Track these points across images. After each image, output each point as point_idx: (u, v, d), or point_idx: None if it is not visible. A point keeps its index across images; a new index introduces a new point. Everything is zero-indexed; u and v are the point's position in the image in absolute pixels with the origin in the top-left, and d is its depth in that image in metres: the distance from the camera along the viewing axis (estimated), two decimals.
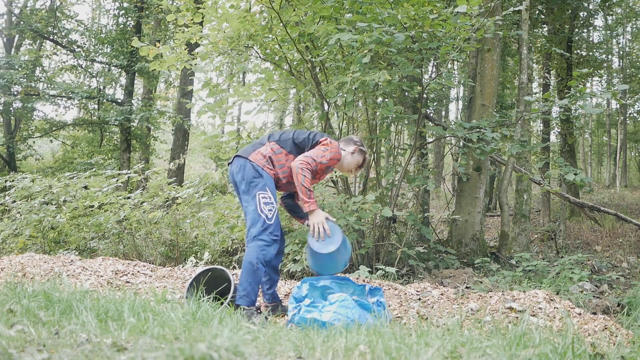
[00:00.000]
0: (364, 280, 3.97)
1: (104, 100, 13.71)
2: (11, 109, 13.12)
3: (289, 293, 3.62)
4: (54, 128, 14.11)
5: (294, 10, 4.82)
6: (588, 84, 19.58)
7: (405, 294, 3.56)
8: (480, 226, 6.77)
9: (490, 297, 3.29)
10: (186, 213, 6.30)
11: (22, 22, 13.08)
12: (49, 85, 13.55)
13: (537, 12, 11.46)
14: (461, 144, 6.61)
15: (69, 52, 13.95)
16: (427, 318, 2.94)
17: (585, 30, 14.87)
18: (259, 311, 3.13)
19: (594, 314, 3.47)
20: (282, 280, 4.20)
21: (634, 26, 19.37)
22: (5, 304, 2.24)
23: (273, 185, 3.01)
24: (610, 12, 15.63)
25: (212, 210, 6.09)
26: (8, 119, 13.81)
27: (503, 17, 5.65)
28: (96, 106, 14.28)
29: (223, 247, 6.13)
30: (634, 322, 3.23)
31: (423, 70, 5.39)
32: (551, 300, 3.14)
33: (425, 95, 5.89)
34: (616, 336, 2.61)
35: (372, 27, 4.21)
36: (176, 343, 1.66)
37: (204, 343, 1.45)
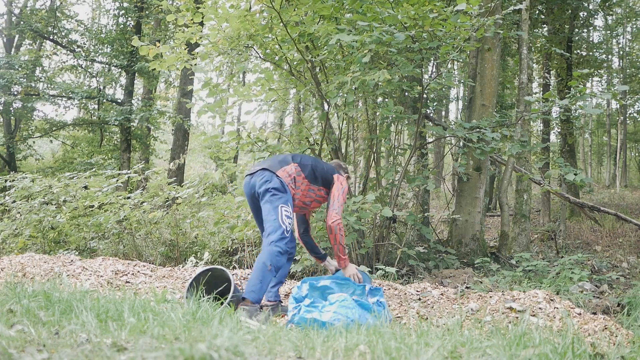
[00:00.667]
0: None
1: (104, 100, 13.71)
2: (11, 109, 13.11)
3: (289, 293, 3.62)
4: (54, 128, 14.11)
5: (294, 10, 4.82)
6: (588, 84, 19.59)
7: (405, 294, 3.56)
8: (480, 226, 6.77)
9: (490, 297, 3.29)
10: (186, 213, 6.30)
11: (22, 22, 13.07)
12: (49, 85, 13.54)
13: (537, 12, 11.46)
14: (461, 144, 6.61)
15: (69, 52, 13.95)
16: (427, 318, 2.94)
17: (585, 30, 14.87)
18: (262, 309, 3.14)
19: (594, 314, 3.47)
20: None
21: (634, 26, 19.37)
22: (5, 304, 2.24)
23: (292, 202, 3.20)
24: (610, 12, 15.63)
25: (212, 210, 6.09)
26: (8, 119, 13.81)
27: (503, 16, 5.65)
28: (96, 106, 14.27)
29: (223, 247, 6.13)
30: (634, 322, 3.23)
31: (423, 70, 5.39)
32: (551, 300, 3.14)
33: (425, 95, 5.89)
34: (616, 336, 2.61)
35: (373, 27, 4.21)
36: (176, 343, 1.66)
37: (204, 343, 1.44)
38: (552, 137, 16.80)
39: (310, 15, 5.01)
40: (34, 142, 14.71)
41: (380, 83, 5.04)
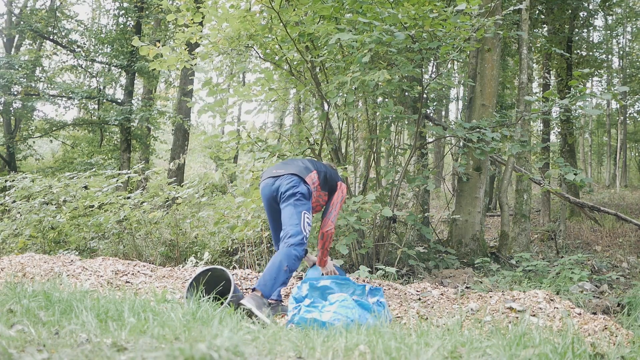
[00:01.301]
0: (364, 280, 3.98)
1: (104, 100, 13.70)
2: (11, 109, 13.11)
3: (289, 293, 3.62)
4: (54, 128, 14.10)
5: (294, 10, 4.81)
6: (588, 84, 19.59)
7: (405, 294, 3.56)
8: (480, 226, 6.77)
9: (490, 297, 3.29)
10: (186, 213, 6.30)
11: (22, 22, 13.07)
12: (49, 85, 13.55)
13: (537, 12, 11.46)
14: (461, 144, 6.61)
15: (69, 52, 13.94)
16: (427, 318, 2.94)
17: (585, 30, 14.87)
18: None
19: (594, 314, 3.47)
20: None
21: (634, 26, 19.36)
22: (5, 304, 2.24)
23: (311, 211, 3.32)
24: (610, 12, 15.63)
25: (212, 210, 6.09)
26: (8, 119, 13.81)
27: (503, 16, 5.65)
28: (96, 106, 14.27)
29: (223, 247, 6.13)
30: (634, 322, 3.23)
31: (423, 70, 5.39)
32: (551, 300, 3.14)
33: (425, 95, 5.89)
34: (616, 336, 2.61)
35: (373, 27, 4.21)
36: (176, 343, 1.66)
37: (204, 343, 1.44)
38: (552, 137, 16.80)
39: (310, 15, 5.01)
40: (34, 142, 14.71)
41: (380, 83, 5.03)
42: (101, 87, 14.07)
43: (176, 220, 6.14)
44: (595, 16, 14.77)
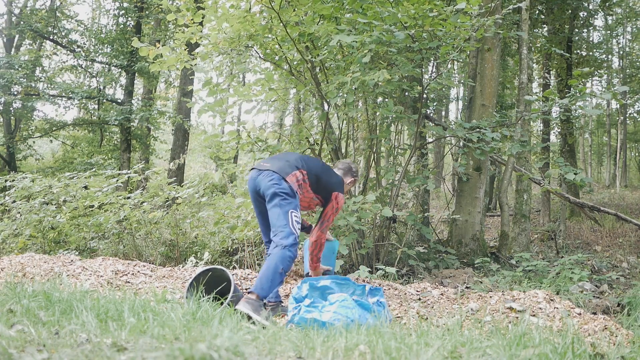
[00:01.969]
0: (364, 280, 3.98)
1: (104, 100, 13.70)
2: (11, 109, 13.11)
3: (289, 293, 3.62)
4: (54, 128, 14.10)
5: (294, 10, 4.81)
6: (588, 84, 19.58)
7: (405, 294, 3.56)
8: (480, 226, 6.77)
9: (490, 297, 3.29)
10: (186, 213, 6.30)
11: (22, 22, 13.07)
12: (49, 85, 13.54)
13: (537, 12, 11.46)
14: (461, 144, 6.61)
15: (69, 52, 13.94)
16: (427, 318, 2.94)
17: (585, 30, 14.86)
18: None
19: (594, 314, 3.47)
20: None
21: (634, 26, 19.36)
22: (5, 304, 2.24)
23: (299, 208, 3.24)
24: (610, 12, 15.63)
25: (212, 210, 6.09)
26: (8, 119, 13.81)
27: (503, 16, 5.65)
28: (96, 106, 14.27)
29: (223, 247, 6.13)
30: (634, 322, 3.23)
31: (423, 70, 5.39)
32: (551, 300, 3.14)
33: (425, 95, 5.89)
34: (616, 336, 2.61)
35: (373, 26, 4.21)
36: (176, 343, 1.66)
37: (204, 343, 1.44)
38: (552, 137, 16.80)
39: (310, 15, 5.01)
40: (34, 142, 14.71)
41: (380, 83, 5.03)
42: (101, 87, 14.07)
43: (176, 220, 6.14)
44: (595, 16, 14.77)
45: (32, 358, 1.41)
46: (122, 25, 14.09)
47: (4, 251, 6.33)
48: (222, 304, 2.86)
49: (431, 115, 8.72)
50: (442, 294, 3.49)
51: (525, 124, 6.88)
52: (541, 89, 15.67)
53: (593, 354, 2.00)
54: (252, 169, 3.32)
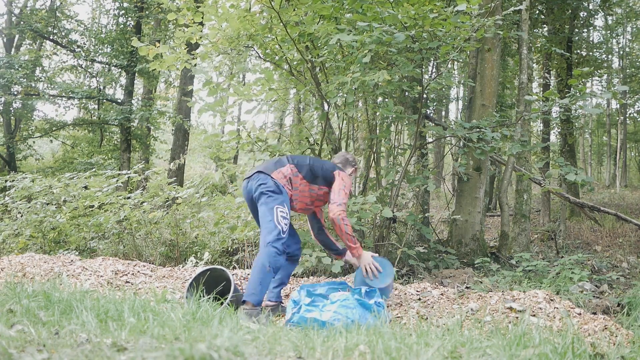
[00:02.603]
0: None
1: (104, 100, 13.70)
2: (11, 109, 13.11)
3: (289, 294, 3.62)
4: (54, 128, 14.11)
5: (294, 10, 4.82)
6: (588, 84, 19.58)
7: (405, 294, 3.56)
8: (480, 226, 6.76)
9: (490, 297, 3.29)
10: (186, 213, 6.30)
11: (22, 22, 13.07)
12: (49, 85, 13.55)
13: (537, 12, 11.46)
14: (461, 144, 6.61)
15: (69, 52, 13.95)
16: (427, 318, 2.94)
17: (585, 30, 14.86)
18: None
19: (594, 314, 3.47)
20: None
21: (634, 26, 19.36)
22: (5, 304, 2.24)
23: (289, 203, 3.18)
24: (610, 12, 15.63)
25: (212, 210, 6.09)
26: (8, 119, 13.81)
27: (503, 16, 5.65)
28: (96, 106, 14.28)
29: (223, 247, 6.13)
30: (634, 322, 3.22)
31: (423, 70, 5.39)
32: (551, 300, 3.14)
33: (425, 95, 5.89)
34: (616, 336, 2.61)
35: (373, 27, 4.21)
36: (176, 343, 1.65)
37: (204, 343, 1.44)
38: (552, 137, 16.81)
39: (310, 15, 5.01)
40: (34, 142, 14.71)
41: (380, 83, 5.03)
42: (101, 87, 14.08)
43: (176, 220, 6.14)
44: (595, 16, 14.77)
45: (32, 358, 1.41)
46: (122, 25, 14.09)
47: (4, 251, 6.33)
48: (222, 304, 2.86)
49: (431, 115, 8.72)
50: (442, 294, 3.49)
51: (525, 124, 6.88)
52: (541, 89, 15.66)
53: (593, 354, 2.00)
54: (244, 179, 3.33)
